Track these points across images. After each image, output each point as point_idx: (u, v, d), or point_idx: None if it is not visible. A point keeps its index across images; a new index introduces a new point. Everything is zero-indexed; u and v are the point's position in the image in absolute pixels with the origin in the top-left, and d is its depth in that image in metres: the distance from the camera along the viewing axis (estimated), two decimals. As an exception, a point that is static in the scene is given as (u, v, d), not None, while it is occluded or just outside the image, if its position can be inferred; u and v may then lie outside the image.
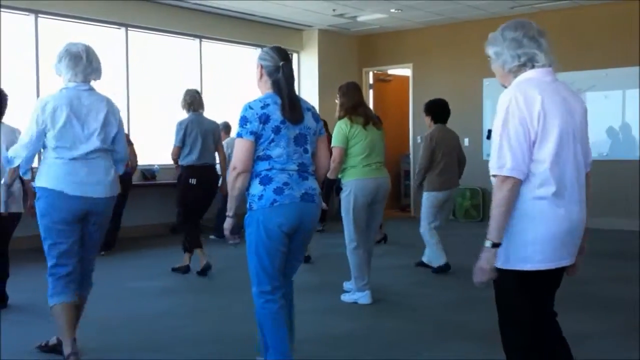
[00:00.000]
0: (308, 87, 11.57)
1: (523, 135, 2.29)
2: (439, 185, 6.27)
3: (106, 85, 4.47)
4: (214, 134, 6.21)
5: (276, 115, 3.10)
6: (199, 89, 7.77)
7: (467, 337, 4.16)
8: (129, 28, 9.13)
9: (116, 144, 3.68)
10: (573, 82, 8.20)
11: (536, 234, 2.30)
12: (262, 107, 3.10)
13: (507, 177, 2.27)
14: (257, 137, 3.08)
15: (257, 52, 11.06)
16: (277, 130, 3.09)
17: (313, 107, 3.34)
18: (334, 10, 10.03)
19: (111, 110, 3.65)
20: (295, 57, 11.68)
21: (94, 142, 3.54)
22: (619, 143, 9.46)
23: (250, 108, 3.11)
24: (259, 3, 9.51)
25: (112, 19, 8.86)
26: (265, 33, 10.89)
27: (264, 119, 3.07)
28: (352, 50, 11.98)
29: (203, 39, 10.20)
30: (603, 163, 8.82)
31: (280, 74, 3.17)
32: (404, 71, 12.25)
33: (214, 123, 6.35)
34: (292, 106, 3.14)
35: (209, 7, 9.72)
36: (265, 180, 3.09)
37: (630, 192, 9.05)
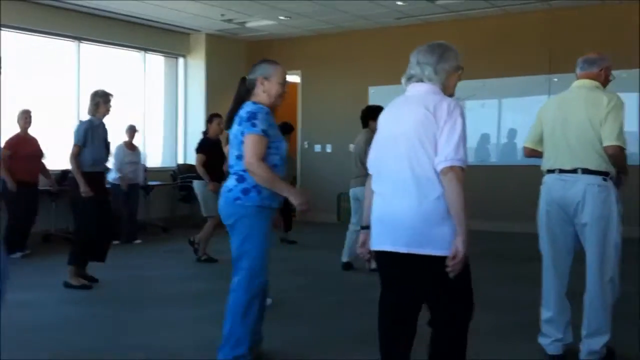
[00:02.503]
0: (194, 93, 11.36)
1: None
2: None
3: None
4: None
5: None
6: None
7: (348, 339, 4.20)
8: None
9: None
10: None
11: (372, 219, 2.75)
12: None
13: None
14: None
15: (143, 55, 10.95)
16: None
17: (245, 112, 3.45)
18: (222, 15, 9.90)
19: None
20: (181, 61, 11.45)
21: None
22: (499, 149, 9.95)
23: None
24: (145, 5, 9.22)
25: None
26: (150, 36, 10.59)
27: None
28: (241, 56, 11.89)
29: (82, 41, 9.75)
30: (491, 169, 9.33)
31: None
32: (292, 78, 12.31)
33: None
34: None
35: (88, 7, 9.30)
36: (241, 180, 3.42)
37: (519, 196, 9.45)
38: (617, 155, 3.54)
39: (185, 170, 10.60)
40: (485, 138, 10.04)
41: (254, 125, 3.37)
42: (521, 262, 6.98)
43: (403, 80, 2.81)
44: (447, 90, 2.73)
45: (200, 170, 7.17)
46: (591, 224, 3.55)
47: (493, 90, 9.92)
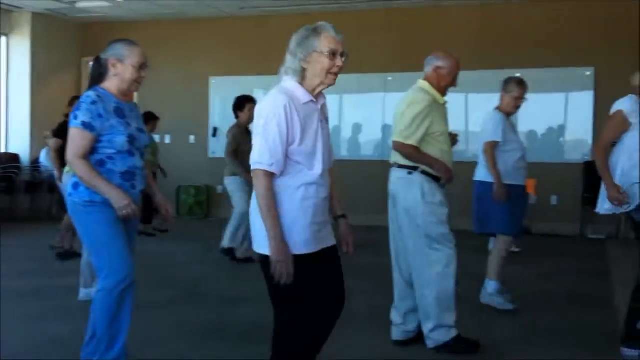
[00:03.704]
0: (18, 75, 10.41)
1: None
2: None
3: None
4: None
5: None
6: None
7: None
8: None
9: None
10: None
11: None
12: None
13: None
14: None
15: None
16: None
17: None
18: (50, -8, 9.18)
19: None
20: (3, 41, 10.46)
21: None
22: (345, 143, 10.12)
23: None
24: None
25: None
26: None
27: None
28: (72, 38, 11.08)
29: None
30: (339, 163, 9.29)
31: None
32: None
33: None
34: None
35: None
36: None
37: (364, 190, 9.64)
38: (400, 151, 3.72)
39: (7, 160, 9.73)
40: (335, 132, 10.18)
41: (75, 117, 3.04)
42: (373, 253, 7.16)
43: (282, 70, 2.63)
44: (316, 78, 2.53)
45: (52, 156, 6.54)
46: (402, 215, 3.75)
47: (335, 86, 10.06)
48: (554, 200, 9.13)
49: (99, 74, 3.19)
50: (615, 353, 3.79)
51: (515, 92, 4.82)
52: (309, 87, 2.55)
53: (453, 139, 3.97)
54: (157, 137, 9.22)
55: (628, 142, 3.68)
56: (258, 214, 2.49)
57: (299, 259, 2.47)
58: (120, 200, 3.03)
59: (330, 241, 2.62)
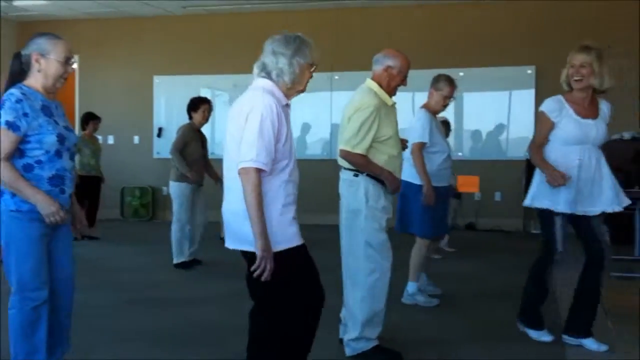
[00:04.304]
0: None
1: None
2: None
3: None
4: None
5: None
6: None
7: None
8: None
9: None
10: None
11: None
12: None
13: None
14: None
15: None
16: None
17: None
18: (-16, -11, 8.87)
19: None
20: None
21: None
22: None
23: None
24: None
25: None
26: None
27: None
28: (10, 37, 10.74)
29: None
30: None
31: None
32: (69, 64, 11.44)
33: None
34: None
35: None
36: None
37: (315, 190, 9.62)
38: (347, 160, 3.62)
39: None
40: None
41: None
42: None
43: (255, 69, 2.72)
44: (299, 85, 2.71)
45: None
46: (345, 217, 3.69)
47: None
48: (497, 196, 9.33)
49: (20, 71, 2.97)
50: (557, 345, 3.89)
51: (445, 91, 4.81)
52: (288, 91, 2.70)
53: (403, 144, 3.94)
54: (99, 138, 9.00)
55: (553, 139, 3.83)
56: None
57: (294, 251, 2.59)
58: (47, 207, 2.84)
59: None
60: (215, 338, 4.09)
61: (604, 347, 3.79)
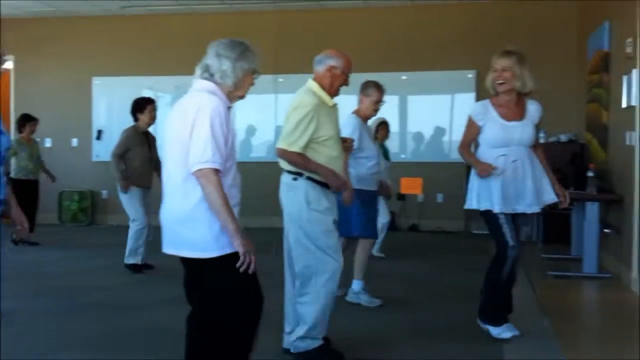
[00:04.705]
0: None
1: None
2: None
3: None
4: None
5: None
6: None
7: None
8: None
9: None
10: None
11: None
12: None
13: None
14: None
15: None
16: None
17: None
18: None
19: None
20: None
21: None
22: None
23: None
24: None
25: None
26: None
27: None
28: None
29: None
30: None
31: None
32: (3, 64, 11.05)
33: None
34: None
35: None
36: None
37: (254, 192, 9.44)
38: (284, 158, 3.61)
39: None
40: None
41: None
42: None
43: (198, 70, 2.69)
44: (240, 91, 2.70)
45: None
46: (288, 221, 3.69)
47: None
48: (439, 198, 9.47)
49: None
50: (496, 345, 3.95)
51: (374, 96, 4.87)
52: (230, 95, 2.68)
53: (348, 144, 3.93)
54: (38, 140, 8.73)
55: (481, 142, 4.03)
56: (203, 216, 2.51)
57: (235, 256, 2.52)
58: None
59: None
60: (156, 343, 4.01)
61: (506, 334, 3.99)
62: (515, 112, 3.98)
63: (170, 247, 2.64)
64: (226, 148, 2.55)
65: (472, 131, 4.00)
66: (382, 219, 6.59)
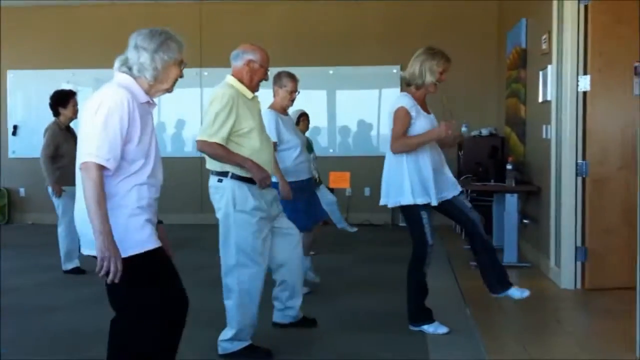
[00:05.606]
0: None
1: None
2: None
3: None
4: None
5: None
6: None
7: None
8: None
9: None
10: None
11: None
12: None
13: None
14: None
15: None
16: None
17: None
18: None
19: None
20: None
21: None
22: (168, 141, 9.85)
23: None
24: None
25: None
26: None
27: None
28: None
29: None
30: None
31: None
32: None
33: None
34: None
35: None
36: None
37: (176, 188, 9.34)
38: (205, 151, 3.56)
39: None
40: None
41: None
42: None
43: (116, 63, 2.53)
44: (164, 84, 2.55)
45: None
46: (219, 221, 3.64)
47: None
48: (367, 191, 9.57)
49: None
50: (420, 335, 4.04)
51: (288, 86, 4.78)
52: (151, 89, 2.53)
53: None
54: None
55: (409, 134, 4.03)
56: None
57: (147, 256, 2.42)
58: None
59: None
60: (74, 345, 3.90)
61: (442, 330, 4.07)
62: (424, 106, 4.16)
63: (86, 248, 2.53)
64: (134, 146, 2.41)
65: (406, 122, 4.00)
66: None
